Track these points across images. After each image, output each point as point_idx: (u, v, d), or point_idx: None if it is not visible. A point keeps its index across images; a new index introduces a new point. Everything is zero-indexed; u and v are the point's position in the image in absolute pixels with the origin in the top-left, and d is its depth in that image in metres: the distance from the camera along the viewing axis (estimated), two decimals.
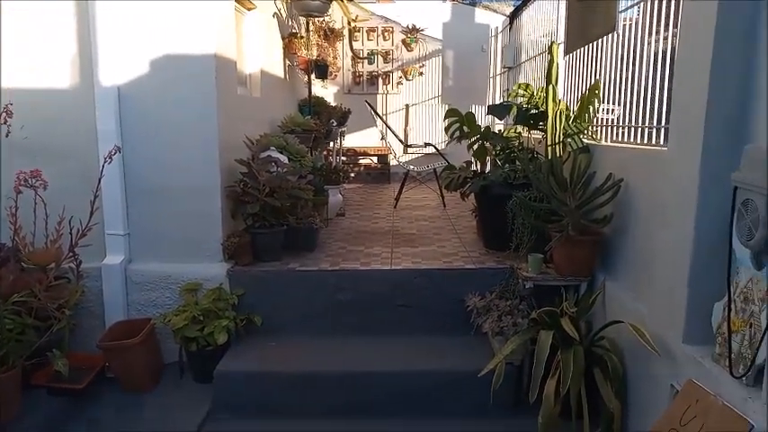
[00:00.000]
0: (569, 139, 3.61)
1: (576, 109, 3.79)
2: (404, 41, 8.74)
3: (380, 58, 8.86)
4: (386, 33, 8.79)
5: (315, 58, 6.29)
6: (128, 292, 3.57)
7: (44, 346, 3.01)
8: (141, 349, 3.26)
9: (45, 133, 3.49)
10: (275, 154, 4.12)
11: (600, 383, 2.64)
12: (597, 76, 3.72)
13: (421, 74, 8.89)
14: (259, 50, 5.11)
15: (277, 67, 5.82)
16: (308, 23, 6.08)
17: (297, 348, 3.40)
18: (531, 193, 3.50)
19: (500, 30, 7.60)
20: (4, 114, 3.15)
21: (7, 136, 3.19)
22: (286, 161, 4.16)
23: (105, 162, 3.28)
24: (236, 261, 3.70)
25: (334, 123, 6.28)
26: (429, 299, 3.55)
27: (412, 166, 6.43)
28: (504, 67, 6.92)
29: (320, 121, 5.76)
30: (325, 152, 6.39)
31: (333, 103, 7.04)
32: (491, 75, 7.98)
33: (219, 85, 3.59)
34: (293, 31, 6.18)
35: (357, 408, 3.08)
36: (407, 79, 8.88)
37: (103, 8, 3.43)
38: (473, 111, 4.86)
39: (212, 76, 3.54)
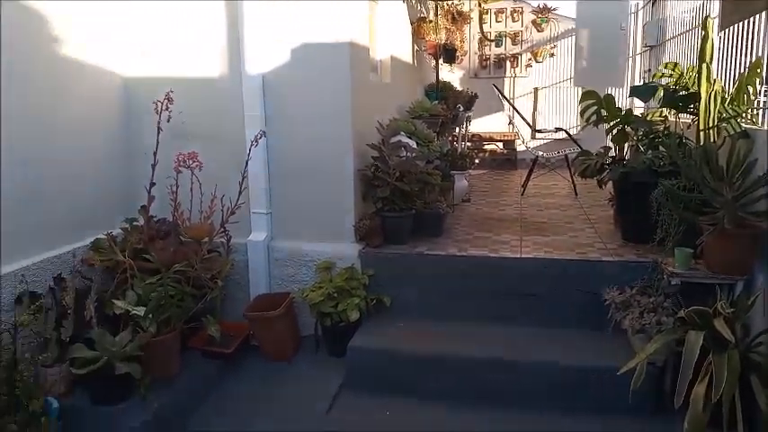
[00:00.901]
0: (725, 124, 3.28)
1: (732, 90, 3.44)
2: (534, 22, 8.43)
3: (509, 41, 8.62)
4: (515, 14, 8.53)
5: (443, 42, 6.27)
6: (270, 267, 3.83)
7: (199, 312, 3.33)
8: (282, 321, 3.50)
9: (199, 118, 3.80)
10: (404, 139, 4.18)
11: (757, 392, 2.41)
12: (759, 54, 3.34)
13: (552, 55, 8.54)
14: (389, 37, 5.19)
15: (405, 53, 5.87)
16: (436, 7, 6.07)
17: (424, 331, 3.46)
18: (678, 181, 3.24)
19: (641, 6, 7.07)
20: (165, 101, 3.48)
21: (168, 121, 3.53)
22: (414, 146, 4.20)
23: (252, 145, 3.53)
24: (366, 242, 3.82)
25: (461, 108, 6.23)
26: (561, 290, 3.43)
27: (541, 152, 6.21)
28: (646, 46, 6.43)
29: (447, 106, 5.75)
30: (449, 137, 6.36)
31: (459, 88, 6.99)
32: (629, 55, 7.45)
33: (353, 72, 3.70)
34: (422, 15, 6.20)
35: (485, 395, 3.07)
36: (537, 61, 8.57)
37: (251, 3, 3.66)
38: (609, 93, 4.58)
39: (347, 64, 3.66)
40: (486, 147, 8.37)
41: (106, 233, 3.47)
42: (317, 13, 3.61)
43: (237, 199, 3.53)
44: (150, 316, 3.01)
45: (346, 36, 3.63)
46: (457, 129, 6.44)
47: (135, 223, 3.58)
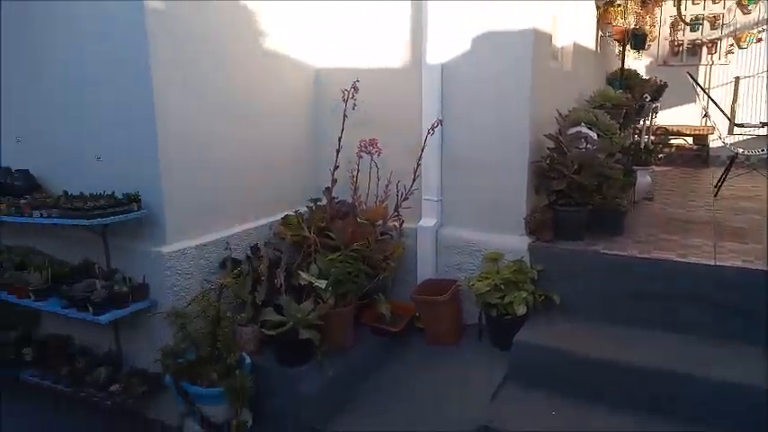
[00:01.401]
0: None
1: None
2: (739, 3, 7.44)
3: (707, 24, 7.73)
4: None
5: (631, 27, 5.81)
6: (437, 253, 3.90)
7: (371, 290, 3.52)
8: (447, 307, 3.56)
9: (379, 107, 3.97)
10: (584, 130, 3.97)
11: None
12: None
13: (759, 40, 7.48)
14: (572, 22, 4.94)
15: (588, 39, 5.55)
16: None
17: (593, 332, 3.29)
18: None
19: None
20: (352, 90, 3.70)
21: (353, 108, 3.75)
22: (595, 138, 3.97)
23: (428, 133, 3.62)
24: (536, 236, 3.72)
25: (647, 98, 5.74)
26: (761, 304, 3.04)
27: (740, 149, 5.51)
28: None
29: (632, 96, 5.34)
30: (632, 130, 5.91)
31: (645, 76, 6.44)
32: None
33: (535, 59, 3.60)
34: None
35: (655, 407, 2.84)
36: (740, 47, 7.57)
37: None
38: None
39: (529, 51, 3.56)
40: (672, 141, 7.63)
41: (294, 211, 3.81)
42: (503, 2, 3.56)
43: (411, 185, 3.65)
44: (330, 289, 3.25)
45: (530, 23, 3.54)
46: (641, 121, 5.95)
47: (319, 203, 3.88)
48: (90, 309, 2.97)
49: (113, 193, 3.12)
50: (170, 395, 3.16)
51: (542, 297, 3.48)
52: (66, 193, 3.28)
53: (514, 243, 3.69)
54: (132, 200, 3.03)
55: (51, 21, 3.33)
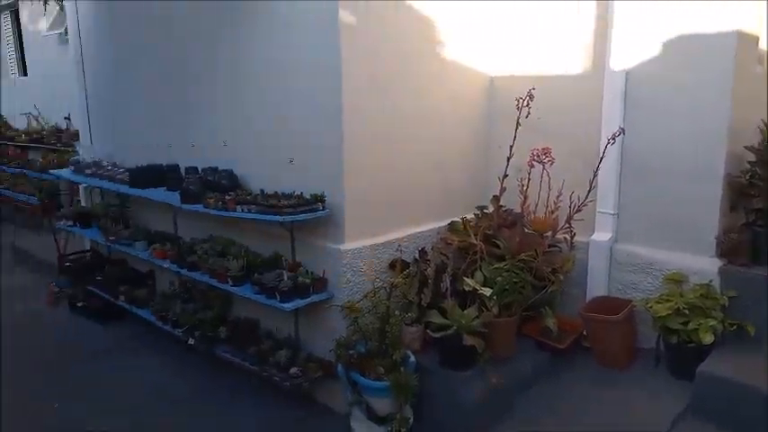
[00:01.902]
0: None
1: None
2: None
3: None
4: None
5: None
6: (610, 269, 3.70)
7: (537, 302, 3.45)
8: (620, 327, 3.36)
9: (554, 115, 3.87)
10: None
11: None
12: None
13: None
14: None
15: None
16: None
17: None
18: None
19: None
20: (527, 98, 3.65)
21: (527, 117, 3.70)
22: None
23: (608, 143, 3.44)
24: (729, 259, 3.35)
25: None
26: None
27: None
28: None
29: None
30: None
31: None
32: None
33: (737, 65, 3.25)
34: None
35: None
36: None
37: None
38: None
39: (730, 56, 3.23)
40: None
41: (461, 217, 3.87)
42: (700, 2, 3.27)
43: (586, 196, 3.50)
44: (495, 298, 3.25)
45: (732, 24, 3.20)
46: None
47: (485, 210, 3.89)
48: (277, 296, 3.30)
49: (301, 193, 3.43)
50: (339, 383, 3.39)
51: (734, 326, 3.14)
52: (262, 191, 3.68)
53: (702, 265, 3.37)
54: (318, 200, 3.31)
55: (249, 34, 3.76)
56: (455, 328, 3.16)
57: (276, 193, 3.54)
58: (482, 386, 3.13)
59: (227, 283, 3.65)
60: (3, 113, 11.16)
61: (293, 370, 3.32)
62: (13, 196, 8.90)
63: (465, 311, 3.22)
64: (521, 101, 3.60)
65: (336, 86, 3.23)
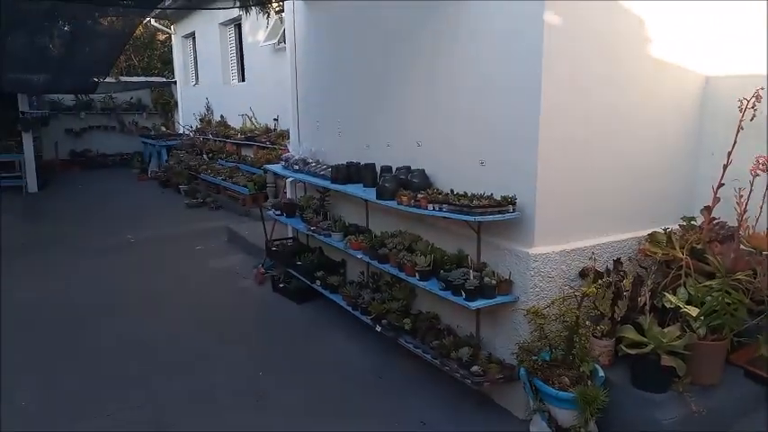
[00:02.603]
0: None
1: None
2: None
3: None
4: None
5: None
6: None
7: (752, 328, 3.07)
8: None
9: None
10: None
11: None
12: None
13: None
14: None
15: None
16: None
17: None
18: None
19: None
20: (753, 99, 3.26)
21: (751, 119, 3.30)
22: None
23: None
24: None
25: None
26: None
27: None
28: None
29: None
30: None
31: None
32: None
33: None
34: None
35: None
36: None
37: None
38: None
39: None
40: None
41: (663, 228, 3.58)
42: None
43: None
44: (702, 318, 2.96)
45: None
46: None
47: (692, 222, 3.56)
48: (463, 294, 3.38)
49: (492, 194, 3.47)
50: (519, 388, 3.37)
51: None
52: (451, 191, 3.79)
53: None
54: (509, 202, 3.31)
55: (449, 35, 3.86)
56: (652, 346, 2.95)
57: (466, 193, 3.62)
58: (679, 412, 2.89)
59: (415, 276, 3.82)
60: (223, 114, 12.91)
61: (475, 368, 3.37)
62: (229, 186, 10.28)
63: (665, 330, 2.99)
64: (744, 102, 3.24)
65: (535, 89, 3.19)
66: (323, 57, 5.72)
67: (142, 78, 16.26)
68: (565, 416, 3.06)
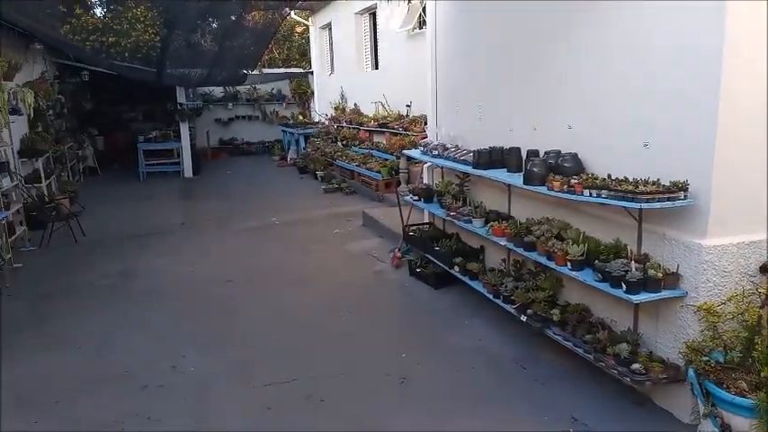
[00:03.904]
0: None
1: None
2: None
3: None
4: None
5: None
6: None
7: None
8: None
9: None
10: None
11: None
12: None
13: None
14: None
15: None
16: None
17: None
18: None
19: None
20: None
21: None
22: None
23: None
24: None
25: None
26: None
27: None
28: None
29: None
30: None
31: None
32: None
33: None
34: None
35: None
36: None
37: None
38: None
39: None
40: None
41: None
42: None
43: None
44: None
45: None
46: None
47: None
48: (623, 286, 3.17)
49: (658, 179, 3.20)
50: (684, 390, 3.11)
51: None
52: (608, 176, 3.56)
53: None
54: (680, 188, 3.03)
55: (603, 8, 3.61)
56: None
57: (626, 178, 3.38)
58: None
59: (565, 266, 3.65)
60: (356, 102, 13.28)
61: (636, 366, 3.14)
62: (363, 172, 10.57)
63: None
64: None
65: (714, 63, 2.88)
66: (464, 40, 5.64)
67: (282, 70, 17.20)
68: (741, 424, 2.78)
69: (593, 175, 3.70)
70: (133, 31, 11.83)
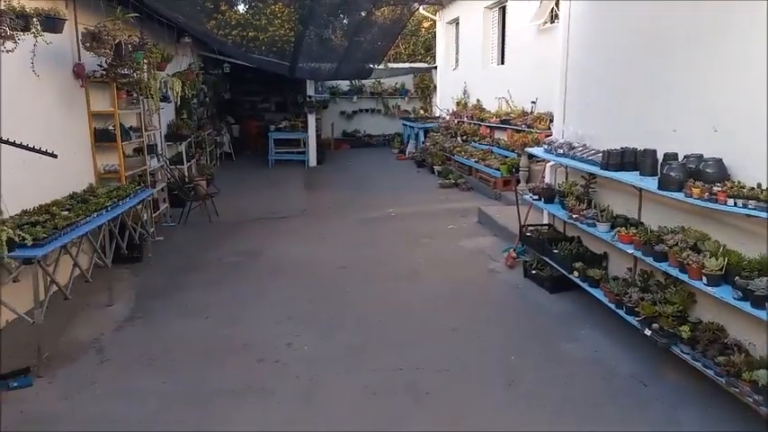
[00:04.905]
0: None
1: None
2: None
3: None
4: None
5: None
6: None
7: None
8: None
9: None
10: None
11: None
12: None
13: None
14: None
15: None
16: None
17: None
18: None
19: None
20: None
21: None
22: None
23: None
24: None
25: None
26: None
27: None
28: None
29: None
30: None
31: None
32: None
33: None
34: None
35: None
36: None
37: None
38: None
39: None
40: None
41: None
42: None
43: None
44: None
45: None
46: None
47: None
48: (767, 308, 2.84)
49: None
50: None
51: None
52: (758, 185, 3.19)
53: None
54: None
55: None
56: None
57: None
58: None
59: (700, 280, 3.34)
60: (479, 98, 13.09)
61: None
62: (481, 169, 10.42)
63: None
64: None
65: None
66: (599, 34, 5.32)
67: (407, 64, 17.38)
68: None
69: (739, 183, 3.34)
70: (270, 26, 12.55)
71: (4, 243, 3.43)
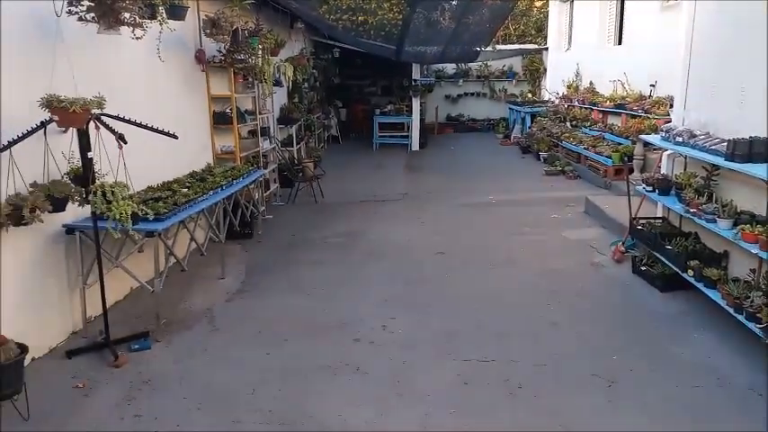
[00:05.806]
0: None
1: None
2: None
3: None
4: None
5: None
6: None
7: None
8: None
9: None
10: None
11: None
12: None
13: None
14: None
15: None
16: None
17: None
18: None
19: None
20: None
21: None
22: None
23: None
24: None
25: None
26: None
27: None
28: None
29: None
30: None
31: None
32: None
33: None
34: None
35: None
36: None
37: None
38: None
39: None
40: None
41: None
42: None
43: None
44: None
45: None
46: None
47: None
48: None
49: None
50: None
51: None
52: None
53: None
54: None
55: None
56: None
57: None
58: None
59: None
60: (592, 80, 12.41)
61: None
62: (591, 156, 9.92)
63: None
64: None
65: None
66: (731, 10, 4.83)
67: (516, 46, 16.85)
68: None
69: None
70: (380, 10, 12.64)
71: (129, 217, 3.78)
